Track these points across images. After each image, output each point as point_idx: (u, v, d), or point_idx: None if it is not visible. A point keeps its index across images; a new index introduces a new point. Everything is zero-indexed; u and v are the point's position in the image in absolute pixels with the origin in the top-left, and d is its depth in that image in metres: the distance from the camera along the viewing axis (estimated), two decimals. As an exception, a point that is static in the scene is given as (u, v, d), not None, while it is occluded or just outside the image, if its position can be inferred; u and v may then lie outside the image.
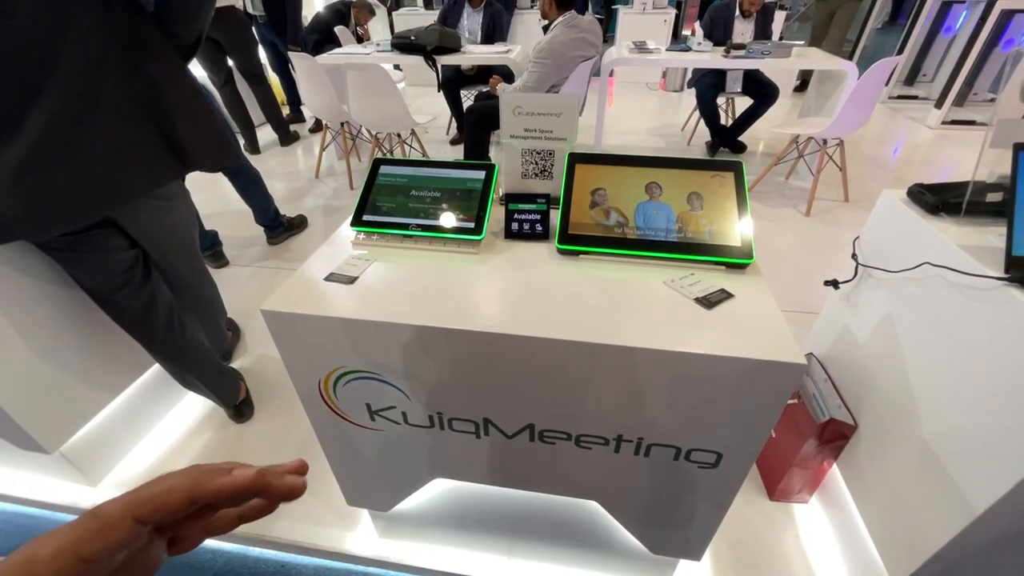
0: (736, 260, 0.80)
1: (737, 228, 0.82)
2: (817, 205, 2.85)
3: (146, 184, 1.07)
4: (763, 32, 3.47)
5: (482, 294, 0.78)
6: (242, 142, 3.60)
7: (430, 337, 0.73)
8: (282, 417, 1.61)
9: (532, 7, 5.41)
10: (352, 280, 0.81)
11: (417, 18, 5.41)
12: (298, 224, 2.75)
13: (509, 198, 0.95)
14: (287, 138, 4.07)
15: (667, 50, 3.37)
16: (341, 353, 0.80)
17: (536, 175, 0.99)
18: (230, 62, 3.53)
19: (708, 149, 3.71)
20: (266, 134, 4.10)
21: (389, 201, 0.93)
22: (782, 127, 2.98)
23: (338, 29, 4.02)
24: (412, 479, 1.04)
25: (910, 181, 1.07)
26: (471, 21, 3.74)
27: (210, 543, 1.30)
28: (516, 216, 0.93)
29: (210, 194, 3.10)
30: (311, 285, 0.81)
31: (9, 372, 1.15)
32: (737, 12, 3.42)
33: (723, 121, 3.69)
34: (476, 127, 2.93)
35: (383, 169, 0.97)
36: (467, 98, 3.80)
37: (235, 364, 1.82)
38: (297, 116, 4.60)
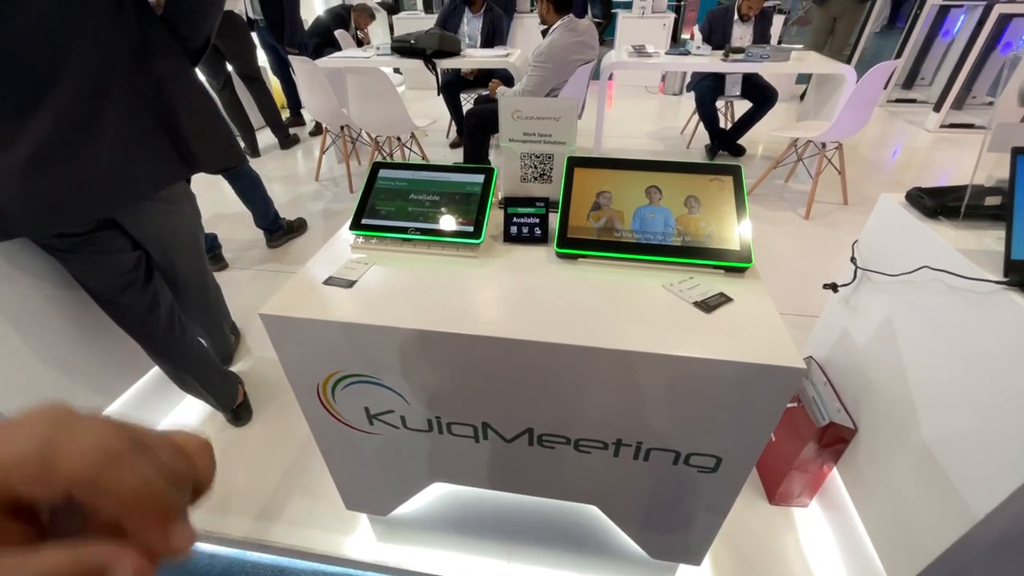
0: (735, 264, 0.80)
1: (736, 232, 0.82)
2: (816, 208, 2.85)
3: (151, 185, 1.07)
4: (761, 36, 3.48)
5: (481, 298, 0.78)
6: (242, 145, 3.61)
7: (429, 341, 0.73)
8: (280, 421, 1.61)
9: (532, 11, 5.43)
10: (351, 284, 0.81)
11: (417, 22, 5.42)
12: (298, 227, 2.75)
13: (508, 202, 0.95)
14: (287, 141, 4.07)
15: (666, 54, 3.38)
16: (339, 357, 0.80)
17: (535, 179, 0.99)
18: (229, 66, 3.54)
19: (707, 152, 3.71)
20: (266, 137, 4.10)
21: (388, 205, 0.93)
22: (781, 130, 2.99)
23: (338, 33, 4.03)
24: (411, 483, 1.04)
25: (909, 184, 1.07)
26: (471, 26, 3.75)
27: (208, 547, 1.30)
28: (515, 220, 0.93)
29: (210, 197, 3.10)
30: (310, 289, 0.81)
31: (6, 375, 1.15)
32: (735, 16, 3.43)
33: (722, 124, 3.70)
34: (476, 130, 2.93)
35: (382, 173, 0.97)
36: (467, 101, 3.80)
37: (234, 367, 1.82)
38: (297, 119, 4.60)
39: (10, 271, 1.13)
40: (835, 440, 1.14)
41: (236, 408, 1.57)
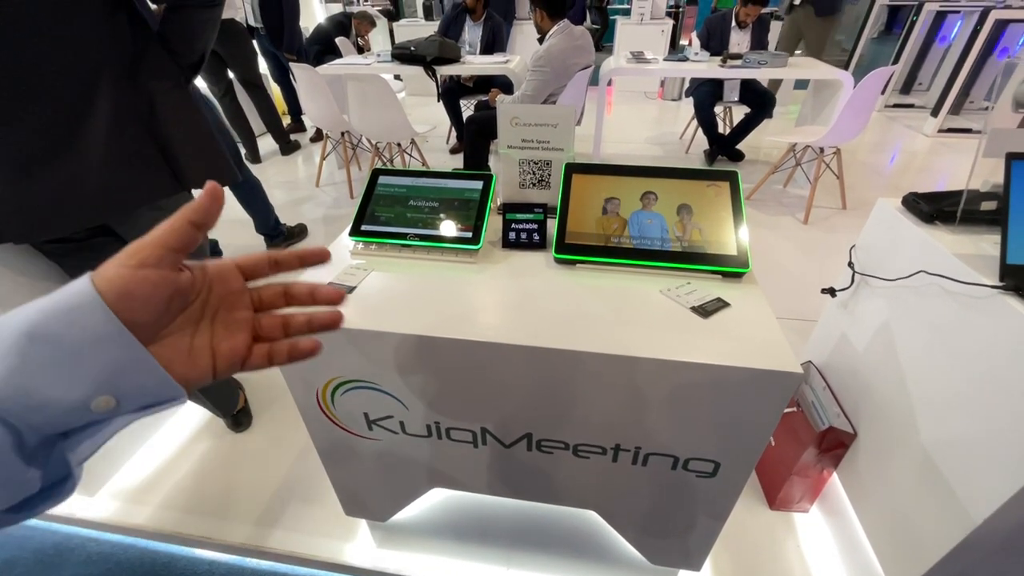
0: (732, 269, 0.80)
1: (733, 237, 0.82)
2: (815, 213, 2.86)
3: (141, 197, 1.07)
4: (759, 42, 3.50)
5: (479, 303, 0.79)
6: (243, 151, 3.62)
7: (428, 346, 0.73)
8: (280, 426, 1.61)
9: (530, 18, 5.47)
10: (351, 290, 0.81)
11: (417, 29, 5.46)
12: (298, 233, 2.76)
13: (507, 208, 0.95)
14: (288, 147, 4.09)
15: (665, 60, 3.40)
16: (339, 363, 0.80)
17: (533, 185, 0.99)
18: (230, 73, 3.57)
19: (706, 157, 3.73)
20: (267, 143, 4.13)
21: (387, 211, 0.94)
22: (779, 135, 3.00)
23: (339, 40, 4.06)
24: (410, 489, 1.04)
25: (907, 189, 1.07)
26: (472, 34, 3.79)
27: (206, 553, 1.29)
28: (513, 226, 0.93)
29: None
30: (309, 295, 0.81)
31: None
32: (733, 23, 3.46)
33: (720, 130, 3.72)
34: (476, 137, 2.95)
35: (382, 179, 0.98)
36: (467, 108, 3.83)
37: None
38: (298, 125, 4.63)
39: (8, 273, 1.13)
40: (834, 445, 1.14)
41: (236, 414, 1.57)
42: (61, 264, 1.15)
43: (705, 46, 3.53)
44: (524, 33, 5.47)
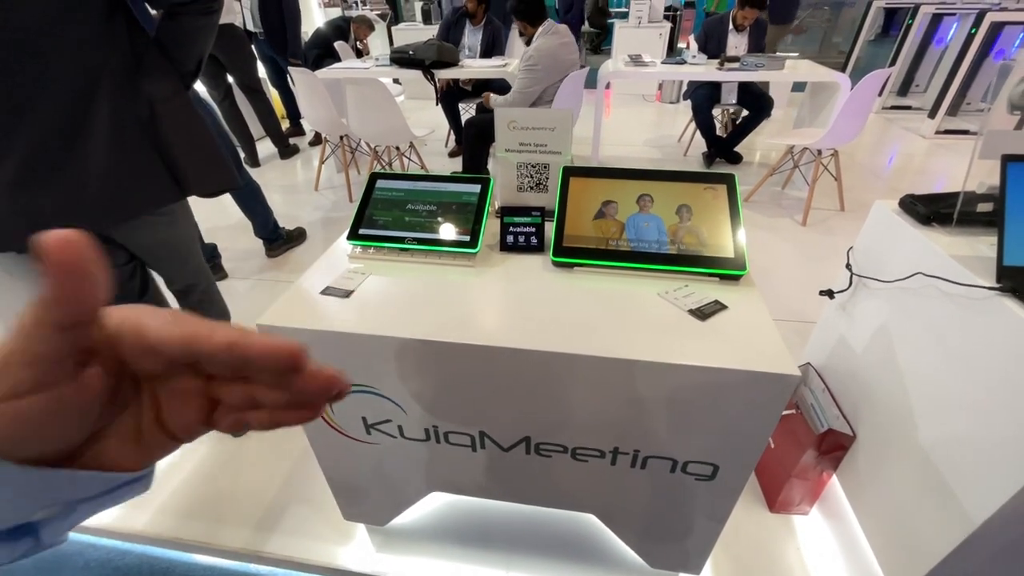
0: (729, 272, 0.81)
1: (730, 240, 0.82)
2: (813, 215, 2.86)
3: (142, 204, 1.07)
4: (756, 45, 3.52)
5: (477, 307, 0.79)
6: (242, 155, 3.63)
7: (426, 350, 0.73)
8: (279, 431, 1.60)
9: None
10: (348, 294, 0.81)
11: (416, 33, 5.48)
12: (296, 236, 2.76)
13: (504, 211, 0.95)
14: (287, 151, 4.10)
15: (663, 63, 3.41)
16: (337, 367, 0.80)
17: (531, 188, 1.00)
18: (229, 78, 3.58)
19: (705, 160, 3.74)
20: (266, 147, 4.13)
21: (385, 215, 0.94)
22: (777, 138, 3.01)
23: (338, 44, 4.07)
24: (409, 493, 1.04)
25: (905, 190, 1.08)
26: (472, 38, 3.80)
27: (204, 559, 1.29)
28: (511, 229, 0.93)
29: (209, 207, 3.09)
30: (307, 299, 0.81)
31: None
32: (731, 26, 3.47)
33: (718, 132, 3.73)
34: (475, 140, 2.95)
35: (380, 183, 0.98)
36: (466, 111, 3.84)
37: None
38: (297, 129, 4.64)
39: (8, 280, 1.13)
40: (834, 447, 1.14)
41: (235, 418, 1.56)
42: None
43: (703, 49, 3.54)
44: (522, 36, 5.48)
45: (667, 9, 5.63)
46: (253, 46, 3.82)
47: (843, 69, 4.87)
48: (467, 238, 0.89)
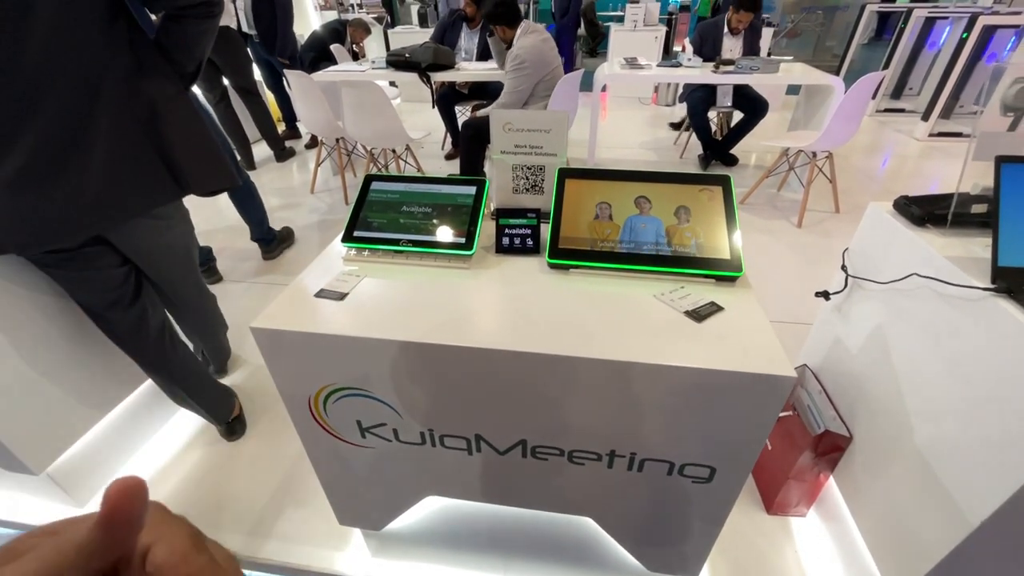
0: (725, 273, 0.80)
1: (726, 241, 0.82)
2: (809, 216, 2.87)
3: (141, 205, 1.07)
4: (751, 48, 3.54)
5: (473, 309, 0.78)
6: (238, 156, 3.62)
7: (420, 353, 0.73)
8: (274, 434, 1.59)
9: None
10: (342, 296, 0.81)
11: (412, 36, 5.49)
12: (287, 236, 2.75)
13: (500, 213, 0.95)
14: (282, 154, 4.09)
15: (658, 66, 3.43)
16: (331, 370, 0.79)
17: (527, 190, 0.99)
18: (225, 80, 3.57)
19: (700, 162, 3.75)
20: (262, 150, 4.12)
21: (380, 217, 0.93)
22: (772, 140, 3.02)
23: (334, 47, 4.07)
24: (404, 497, 1.03)
25: (899, 192, 1.08)
26: (468, 42, 3.81)
27: (199, 565, 1.27)
28: (507, 231, 0.93)
29: (203, 210, 3.09)
30: (301, 301, 0.81)
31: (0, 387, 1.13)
32: (725, 29, 3.49)
33: (713, 133, 3.74)
34: (472, 142, 2.96)
35: (374, 185, 0.97)
36: (462, 114, 3.84)
37: (228, 379, 1.80)
38: (293, 132, 4.63)
39: (3, 284, 1.12)
40: (831, 448, 1.14)
41: (230, 422, 1.55)
42: (53, 276, 1.14)
43: (698, 52, 3.56)
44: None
45: (663, 12, 5.66)
46: (249, 49, 3.81)
47: (837, 72, 4.91)
48: (463, 240, 0.89)
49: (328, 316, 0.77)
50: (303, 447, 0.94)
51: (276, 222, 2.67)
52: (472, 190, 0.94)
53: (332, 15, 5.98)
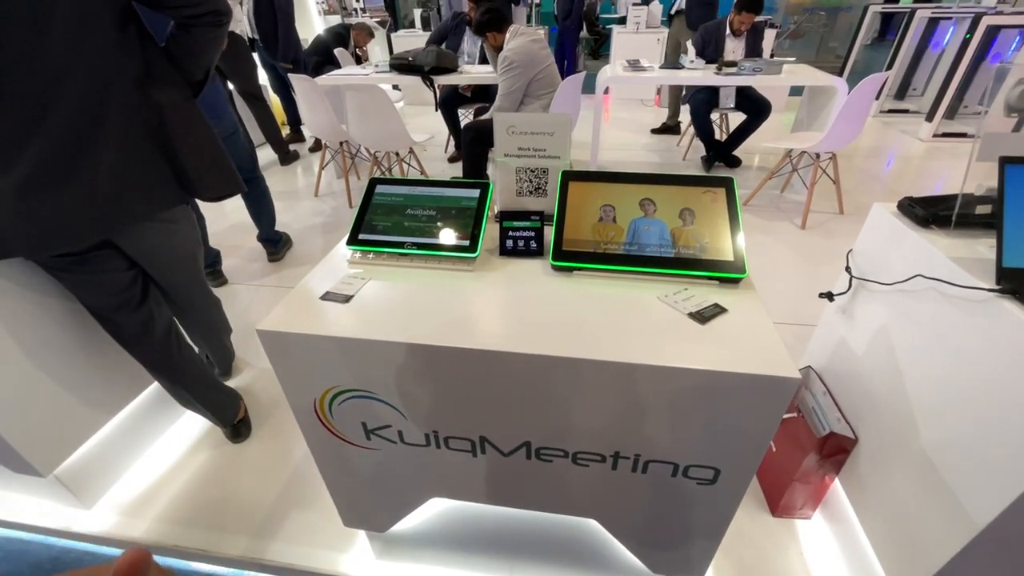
0: (729, 275, 0.81)
1: (730, 243, 0.82)
2: (812, 218, 2.87)
3: (149, 209, 1.09)
4: (753, 50, 3.54)
5: (477, 311, 0.79)
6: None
7: (425, 355, 0.73)
8: (279, 436, 1.60)
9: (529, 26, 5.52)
10: (347, 299, 0.81)
11: (415, 39, 5.52)
12: (286, 241, 2.78)
13: (504, 216, 0.96)
14: (287, 158, 4.11)
15: (661, 68, 3.43)
16: (336, 372, 0.80)
17: (530, 193, 1.00)
18: (230, 84, 3.59)
19: (703, 164, 3.75)
20: (266, 154, 4.15)
21: (385, 220, 0.94)
22: (775, 141, 3.02)
23: (338, 51, 4.10)
24: (409, 499, 1.03)
25: (904, 193, 1.08)
26: (471, 45, 3.83)
27: (204, 566, 1.28)
28: (511, 233, 0.94)
29: (209, 212, 3.11)
30: (306, 304, 0.81)
31: (7, 391, 1.14)
32: (728, 31, 3.49)
33: (717, 136, 3.74)
34: (473, 144, 2.97)
35: (379, 188, 0.98)
36: (465, 116, 3.85)
37: (233, 382, 1.81)
38: (297, 136, 4.66)
39: (11, 287, 1.13)
40: (836, 450, 1.13)
41: (236, 424, 1.56)
42: (60, 279, 1.15)
43: (700, 54, 3.56)
44: (521, 43, 5.51)
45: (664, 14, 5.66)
46: (256, 54, 3.85)
47: (840, 73, 4.90)
48: (467, 243, 0.89)
49: (333, 318, 0.77)
50: (308, 449, 0.95)
51: (280, 225, 2.69)
52: (476, 193, 0.95)
53: (336, 19, 6.01)
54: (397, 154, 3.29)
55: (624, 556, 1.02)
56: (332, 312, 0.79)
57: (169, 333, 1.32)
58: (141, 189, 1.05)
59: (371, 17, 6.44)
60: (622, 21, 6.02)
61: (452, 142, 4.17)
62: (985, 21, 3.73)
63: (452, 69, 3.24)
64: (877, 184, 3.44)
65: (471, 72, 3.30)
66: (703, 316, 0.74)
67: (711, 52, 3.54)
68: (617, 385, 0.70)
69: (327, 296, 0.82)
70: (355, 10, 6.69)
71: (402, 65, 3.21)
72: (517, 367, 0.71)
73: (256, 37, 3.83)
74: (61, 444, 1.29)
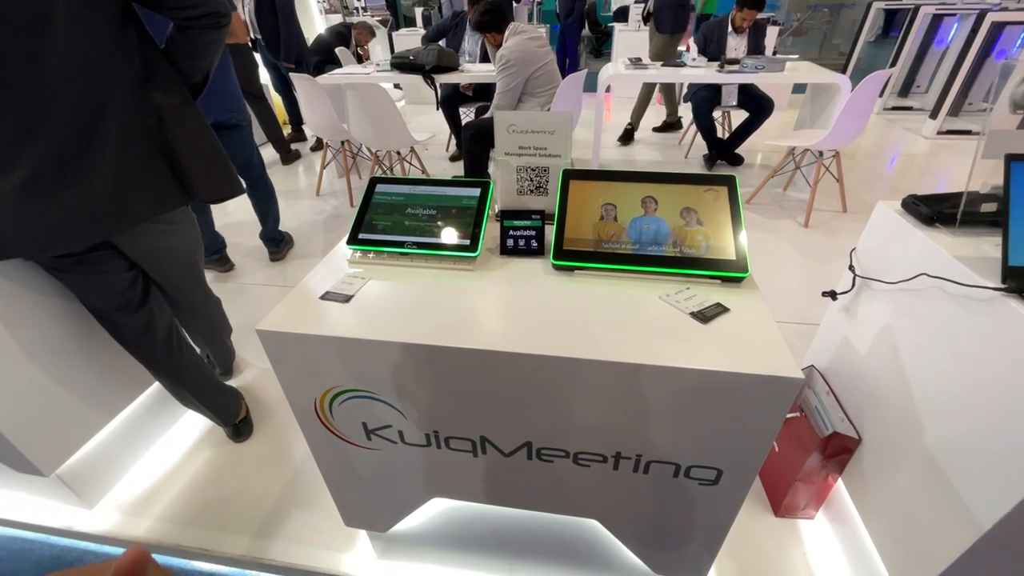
0: (731, 274, 0.80)
1: (732, 242, 0.82)
2: (815, 216, 2.85)
3: (149, 211, 1.09)
4: (755, 47, 3.52)
5: (477, 311, 0.78)
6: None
7: (426, 355, 0.73)
8: (280, 436, 1.60)
9: (531, 24, 5.51)
10: (348, 298, 0.81)
11: (416, 38, 5.50)
12: (288, 240, 2.79)
13: (504, 215, 0.95)
14: (288, 157, 4.12)
15: (663, 66, 3.42)
16: (337, 372, 0.79)
17: (531, 192, 0.99)
18: (231, 84, 3.60)
19: (706, 162, 3.73)
20: (268, 153, 4.15)
21: (385, 219, 0.93)
22: (777, 139, 3.01)
23: (339, 50, 4.10)
24: (410, 499, 1.03)
25: (908, 191, 1.07)
26: (472, 43, 3.82)
27: (205, 565, 1.28)
28: (511, 232, 0.93)
29: (212, 210, 3.12)
30: (307, 304, 0.81)
31: (9, 391, 1.14)
32: (730, 28, 3.47)
33: (719, 134, 3.73)
34: (473, 143, 2.96)
35: (379, 188, 0.98)
36: (466, 115, 3.85)
37: (234, 381, 1.81)
38: (298, 135, 4.66)
39: (12, 287, 1.13)
40: (839, 450, 1.13)
41: (238, 424, 1.56)
42: (61, 280, 1.15)
43: (702, 51, 3.55)
44: (522, 41, 5.49)
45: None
46: (258, 54, 3.85)
47: (843, 70, 4.87)
48: (467, 242, 0.89)
49: (334, 318, 0.77)
50: (309, 449, 0.95)
51: (281, 224, 2.70)
52: (476, 192, 0.94)
53: (337, 18, 6.01)
54: (398, 153, 3.29)
55: (626, 556, 1.02)
56: (332, 312, 0.79)
57: (170, 333, 1.32)
58: (141, 191, 1.05)
59: (372, 16, 6.44)
60: (615, 18, 6.00)
61: (453, 141, 4.17)
62: (990, 17, 3.70)
63: (453, 68, 3.23)
64: (880, 182, 3.42)
65: (472, 71, 3.29)
66: (705, 316, 0.74)
67: (713, 49, 3.53)
68: (618, 385, 0.70)
69: (327, 296, 0.82)
70: (356, 9, 6.68)
71: (403, 64, 3.21)
72: (518, 367, 0.71)
73: (258, 37, 3.83)
74: (63, 444, 1.30)
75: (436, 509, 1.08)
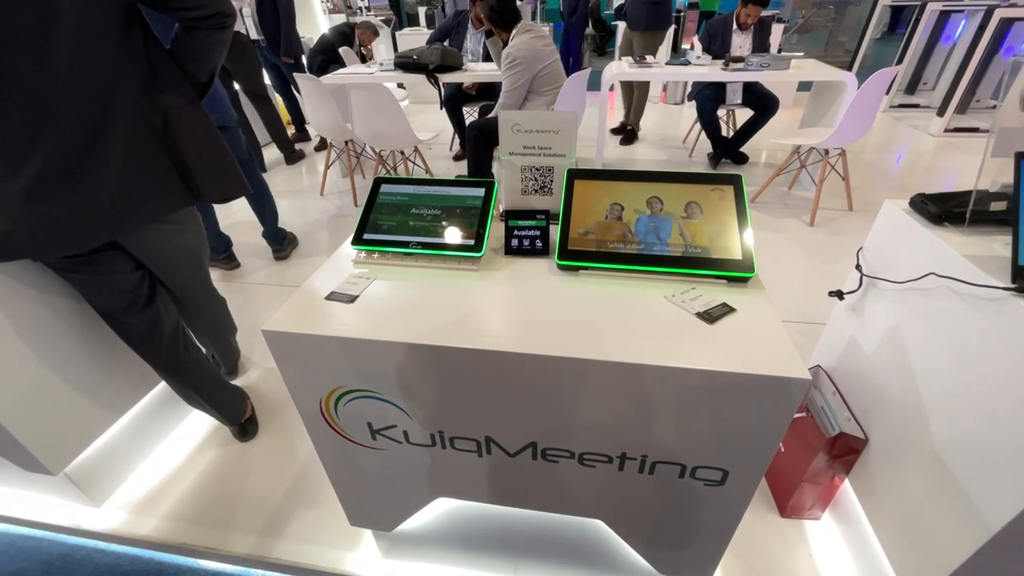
0: (737, 274, 0.80)
1: (738, 241, 0.81)
2: (821, 215, 2.83)
3: (155, 211, 1.09)
4: (760, 45, 3.50)
5: (482, 311, 0.78)
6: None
7: (430, 355, 0.73)
8: (286, 435, 1.60)
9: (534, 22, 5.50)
10: (352, 299, 0.81)
11: (420, 38, 5.51)
12: (291, 239, 2.79)
13: (509, 215, 0.95)
14: (292, 157, 4.13)
15: (667, 64, 3.41)
16: (342, 372, 0.80)
17: (536, 191, 0.99)
18: (236, 85, 3.61)
19: (710, 161, 3.72)
20: (272, 153, 4.17)
21: (390, 219, 0.94)
22: (782, 137, 2.99)
23: (343, 50, 4.10)
24: (415, 499, 1.03)
25: (914, 189, 1.06)
26: (475, 43, 3.82)
27: (211, 564, 1.29)
28: (516, 232, 0.93)
29: (216, 211, 3.14)
30: (312, 304, 0.81)
31: (17, 391, 1.15)
32: (734, 26, 3.45)
33: (724, 132, 3.71)
34: (477, 142, 2.96)
35: (384, 188, 0.98)
36: (470, 115, 3.85)
37: (240, 381, 1.82)
38: (302, 135, 4.67)
39: (20, 287, 1.14)
40: (845, 451, 1.12)
41: (243, 423, 1.57)
42: (68, 280, 1.16)
43: (707, 49, 3.53)
44: (526, 40, 5.49)
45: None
46: (258, 54, 3.86)
47: (849, 68, 4.83)
48: (472, 242, 0.89)
49: (339, 318, 0.77)
50: (314, 448, 0.95)
51: (285, 224, 2.71)
52: (481, 192, 0.94)
53: (340, 18, 6.02)
54: (402, 152, 3.29)
55: (631, 557, 1.02)
56: (337, 312, 0.79)
57: (176, 333, 1.33)
58: (147, 191, 1.05)
59: (375, 15, 6.44)
60: (617, 16, 5.97)
61: (457, 140, 4.17)
62: (998, 14, 3.66)
63: (457, 67, 3.23)
64: (887, 180, 3.40)
65: (475, 70, 3.29)
66: (711, 316, 0.74)
67: (717, 47, 3.51)
68: (624, 386, 0.70)
69: (332, 296, 0.82)
70: (359, 9, 6.69)
71: (407, 63, 3.21)
72: (523, 367, 0.71)
73: (260, 38, 3.84)
74: (71, 443, 1.31)
75: (441, 509, 1.08)
